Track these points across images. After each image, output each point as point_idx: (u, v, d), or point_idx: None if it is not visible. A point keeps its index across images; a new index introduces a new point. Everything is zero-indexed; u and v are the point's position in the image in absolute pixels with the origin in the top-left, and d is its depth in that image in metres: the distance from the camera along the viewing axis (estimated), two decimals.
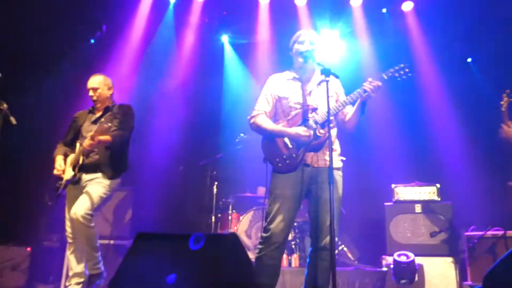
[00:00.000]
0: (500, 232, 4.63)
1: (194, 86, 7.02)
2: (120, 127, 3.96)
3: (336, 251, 5.30)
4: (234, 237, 2.10)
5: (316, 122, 3.11)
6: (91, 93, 4.11)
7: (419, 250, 4.92)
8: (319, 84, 3.29)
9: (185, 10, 6.97)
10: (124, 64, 6.86)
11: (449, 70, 6.63)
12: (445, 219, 5.03)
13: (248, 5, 6.98)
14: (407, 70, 3.15)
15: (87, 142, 3.66)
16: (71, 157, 3.95)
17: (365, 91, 3.07)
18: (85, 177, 3.90)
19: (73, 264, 3.86)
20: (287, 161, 3.11)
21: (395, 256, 4.74)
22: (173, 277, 1.84)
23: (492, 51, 6.29)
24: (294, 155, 3.10)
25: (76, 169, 3.84)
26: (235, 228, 5.60)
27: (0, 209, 4.93)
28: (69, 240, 3.90)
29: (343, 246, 5.67)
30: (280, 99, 3.30)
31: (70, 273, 3.88)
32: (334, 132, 3.31)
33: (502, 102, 4.02)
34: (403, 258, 4.69)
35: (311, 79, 3.35)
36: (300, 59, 3.30)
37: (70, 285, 3.82)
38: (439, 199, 5.18)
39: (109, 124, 3.69)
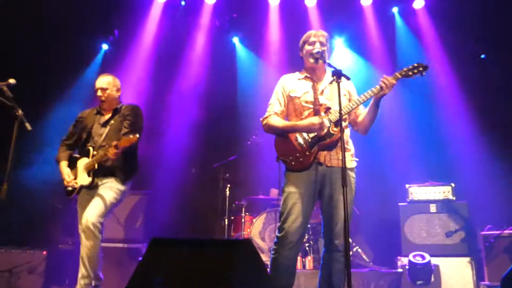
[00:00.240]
0: None
1: (206, 89, 7.04)
2: (131, 129, 3.89)
3: (351, 253, 5.27)
4: (248, 242, 2.09)
5: (329, 121, 3.09)
6: (99, 93, 4.01)
7: (434, 250, 4.88)
8: (330, 82, 3.26)
9: (195, 13, 7.00)
10: (137, 68, 6.91)
11: (462, 67, 6.55)
12: (460, 219, 4.97)
13: (258, 7, 6.99)
14: (421, 69, 3.11)
15: (111, 152, 3.59)
16: (84, 161, 3.89)
17: (381, 88, 3.03)
18: (98, 181, 3.85)
19: None
20: (301, 159, 3.08)
21: (411, 257, 4.70)
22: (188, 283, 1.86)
23: (506, 46, 6.20)
24: (307, 153, 3.07)
25: (92, 174, 3.80)
26: (248, 230, 5.59)
27: (16, 214, 4.99)
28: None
29: (357, 247, 5.64)
30: (292, 99, 3.28)
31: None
32: (347, 132, 3.28)
33: None
34: (418, 259, 4.65)
35: (323, 78, 3.33)
36: (311, 60, 3.28)
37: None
38: (454, 198, 5.14)
39: (133, 136, 3.60)
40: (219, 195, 5.93)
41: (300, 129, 3.13)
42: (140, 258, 4.34)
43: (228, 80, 7.15)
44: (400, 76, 3.12)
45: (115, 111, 4.03)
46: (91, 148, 3.91)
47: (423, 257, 4.65)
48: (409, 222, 5.16)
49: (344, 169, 2.71)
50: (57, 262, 5.23)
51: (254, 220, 5.62)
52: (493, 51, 6.51)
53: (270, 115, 3.30)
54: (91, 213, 3.66)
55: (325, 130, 3.06)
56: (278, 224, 3.12)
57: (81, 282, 3.64)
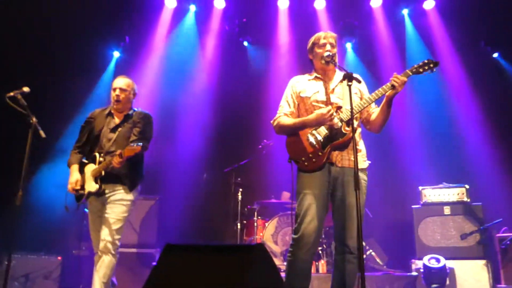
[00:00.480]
0: None
1: (217, 94, 7.06)
2: (141, 137, 3.86)
3: (364, 256, 5.24)
4: (261, 247, 2.09)
5: (341, 120, 3.07)
6: (118, 92, 3.92)
7: (449, 253, 4.83)
8: (341, 81, 3.25)
9: (205, 18, 7.05)
10: (148, 74, 6.96)
11: (475, 67, 6.49)
12: (475, 221, 4.92)
13: (268, 11, 7.01)
14: (431, 65, 3.09)
15: (116, 160, 3.59)
16: (91, 167, 3.86)
17: (392, 86, 3.01)
18: (106, 188, 3.82)
19: None
20: (314, 160, 3.05)
21: (425, 260, 4.65)
22: None
23: None
24: (320, 153, 3.05)
25: (99, 181, 3.78)
26: (261, 234, 5.59)
27: (31, 220, 5.05)
28: (96, 251, 3.86)
29: (371, 250, 5.60)
30: (303, 99, 3.27)
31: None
32: (358, 131, 3.27)
33: None
34: (433, 263, 4.60)
35: (333, 78, 3.32)
36: (322, 62, 3.27)
37: None
38: (468, 200, 5.08)
39: (137, 146, 3.58)
40: (231, 199, 5.94)
41: (310, 123, 3.11)
42: (154, 263, 4.36)
43: (238, 85, 7.16)
44: (410, 73, 3.10)
45: (126, 117, 3.98)
46: (97, 154, 3.88)
47: (438, 261, 4.61)
48: (423, 225, 5.12)
49: (356, 172, 2.70)
50: (71, 268, 5.29)
51: (266, 224, 5.62)
52: (505, 51, 6.45)
53: (280, 116, 3.30)
54: (108, 233, 3.69)
55: (336, 120, 3.03)
56: (294, 226, 3.09)
57: None
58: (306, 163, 3.08)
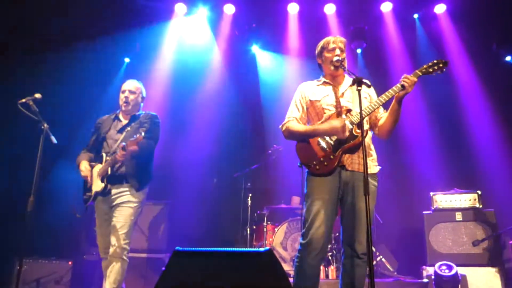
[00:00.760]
0: None
1: (227, 99, 7.08)
2: (147, 136, 3.84)
3: (374, 262, 5.19)
4: (270, 253, 2.08)
5: (351, 123, 3.05)
6: (127, 94, 3.99)
7: (461, 259, 4.77)
8: (351, 85, 3.24)
9: (215, 23, 7.07)
10: (158, 79, 7.00)
11: (487, 71, 6.43)
12: (488, 227, 4.86)
13: (277, 16, 7.01)
14: (441, 65, 3.06)
15: (119, 153, 3.61)
16: (98, 167, 3.89)
17: (402, 87, 2.98)
18: (113, 189, 3.84)
19: None
20: (325, 163, 3.03)
21: (437, 268, 4.59)
22: None
23: None
24: (332, 157, 3.03)
25: (105, 180, 3.80)
26: (271, 239, 5.58)
27: (42, 225, 5.09)
28: (102, 256, 3.90)
29: (381, 256, 5.55)
30: (312, 103, 3.25)
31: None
32: (369, 135, 3.24)
33: None
34: (445, 271, 4.53)
35: (342, 82, 3.31)
36: (331, 68, 3.26)
37: None
38: (480, 206, 5.02)
39: (139, 135, 3.60)
40: (241, 204, 5.94)
41: (321, 133, 3.09)
42: (163, 268, 4.36)
43: (248, 90, 7.18)
44: (420, 74, 3.07)
45: (133, 118, 4.02)
46: (104, 155, 3.91)
47: (449, 268, 4.54)
48: (434, 231, 5.06)
49: (366, 178, 2.67)
50: (82, 272, 5.32)
51: (276, 229, 5.61)
52: None
53: (289, 120, 3.27)
54: (118, 238, 3.69)
55: (347, 133, 3.02)
56: (302, 230, 3.07)
57: None
58: (317, 167, 3.06)
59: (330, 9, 6.84)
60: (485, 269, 4.68)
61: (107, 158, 3.87)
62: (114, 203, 3.82)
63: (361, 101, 2.88)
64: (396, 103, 3.06)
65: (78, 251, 5.52)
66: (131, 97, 4.01)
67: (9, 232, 4.92)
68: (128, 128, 3.88)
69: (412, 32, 6.86)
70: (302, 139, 3.18)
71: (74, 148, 5.77)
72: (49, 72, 6.16)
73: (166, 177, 6.28)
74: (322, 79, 3.35)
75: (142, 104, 4.18)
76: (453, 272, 4.50)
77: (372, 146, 3.26)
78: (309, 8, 6.93)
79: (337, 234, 5.32)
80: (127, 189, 3.83)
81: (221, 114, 7.03)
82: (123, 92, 4.03)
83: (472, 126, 6.37)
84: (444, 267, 4.58)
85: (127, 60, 7.25)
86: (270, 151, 5.89)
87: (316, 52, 3.38)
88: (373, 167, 3.18)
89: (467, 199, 5.11)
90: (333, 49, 3.24)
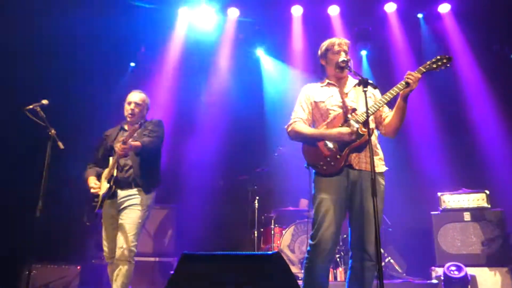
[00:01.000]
0: None
1: (232, 102, 7.09)
2: (149, 134, 3.89)
3: (383, 263, 5.17)
4: (279, 256, 2.07)
5: (357, 121, 3.04)
6: (132, 106, 4.01)
7: (470, 260, 4.74)
8: (355, 86, 3.23)
9: (220, 26, 7.09)
10: (163, 83, 7.03)
11: (492, 70, 6.39)
12: (497, 227, 4.82)
13: (281, 18, 7.02)
14: (445, 61, 3.04)
15: (119, 147, 3.60)
16: (105, 171, 3.92)
17: (407, 83, 2.97)
18: (121, 193, 3.84)
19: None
20: (332, 163, 3.02)
21: (446, 269, 4.56)
22: None
23: None
24: (338, 156, 3.01)
25: (111, 182, 3.80)
26: (278, 242, 5.57)
27: (51, 230, 5.12)
28: (108, 260, 3.89)
29: (389, 258, 5.53)
30: (317, 104, 3.24)
31: None
32: (375, 135, 3.23)
33: None
34: (455, 272, 4.50)
35: (346, 83, 3.31)
36: (337, 70, 3.25)
37: None
38: (489, 206, 4.99)
39: (137, 125, 3.62)
40: (248, 207, 5.94)
41: (328, 138, 3.07)
42: (171, 272, 4.36)
43: (253, 92, 7.19)
44: (424, 70, 3.05)
45: (139, 125, 3.97)
46: (110, 159, 3.92)
47: (459, 269, 4.51)
48: (443, 231, 5.04)
49: (373, 179, 2.66)
50: (90, 277, 5.34)
51: (283, 231, 5.60)
52: None
53: (295, 121, 3.25)
54: (126, 240, 3.68)
55: (353, 136, 3.01)
56: (311, 232, 3.05)
57: None
58: (324, 167, 3.05)
59: (334, 11, 6.85)
60: (495, 269, 4.65)
61: (113, 161, 3.88)
62: (122, 206, 3.82)
63: (366, 100, 2.87)
64: (402, 101, 3.05)
65: (86, 256, 5.53)
66: (137, 109, 4.03)
67: (18, 237, 4.95)
68: (134, 135, 3.89)
69: (416, 32, 6.85)
70: (308, 141, 3.17)
71: (79, 152, 5.83)
72: (53, 75, 6.20)
73: (173, 181, 6.30)
74: (326, 80, 3.34)
75: (146, 113, 4.22)
76: (462, 273, 4.47)
77: (378, 145, 3.25)
78: (313, 10, 6.93)
79: (345, 236, 5.31)
80: (135, 192, 3.83)
81: (226, 118, 7.04)
82: (129, 103, 4.05)
83: (479, 125, 6.33)
84: (453, 268, 4.55)
85: (132, 64, 7.28)
86: (276, 153, 5.89)
87: (320, 53, 3.36)
88: (381, 166, 3.16)
89: (475, 199, 5.08)
90: (338, 52, 3.23)
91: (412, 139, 6.35)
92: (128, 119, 4.06)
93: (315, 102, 3.26)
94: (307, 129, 3.20)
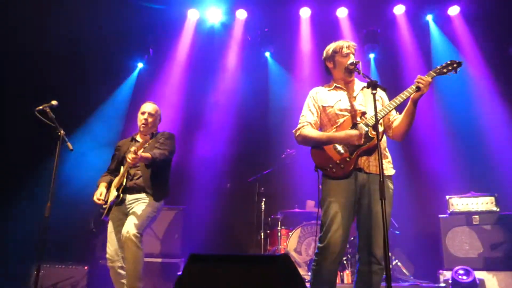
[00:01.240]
0: None
1: (239, 103, 7.09)
2: (160, 147, 3.96)
3: (390, 266, 5.14)
4: (287, 257, 2.07)
5: (367, 125, 3.03)
6: (146, 116, 4.11)
7: (479, 264, 4.71)
8: (362, 89, 3.22)
9: (228, 28, 7.11)
10: (171, 85, 7.05)
11: (503, 72, 6.35)
12: (505, 231, 4.79)
13: (289, 20, 7.03)
14: (455, 65, 3.03)
15: (130, 157, 3.64)
16: (115, 180, 4.01)
17: (417, 88, 2.96)
18: (129, 197, 3.92)
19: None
20: (342, 166, 3.00)
21: (454, 273, 4.53)
22: None
23: None
24: (348, 159, 3.00)
25: (120, 190, 3.87)
26: (285, 244, 5.56)
27: (59, 230, 5.15)
28: (109, 264, 3.90)
29: (397, 261, 5.50)
30: (325, 109, 3.22)
31: None
32: (384, 139, 3.22)
33: None
34: (463, 277, 4.46)
35: (353, 86, 3.29)
36: (345, 73, 3.23)
37: None
38: (497, 209, 4.96)
39: (148, 136, 3.71)
40: (255, 209, 5.93)
41: (337, 141, 3.05)
42: (178, 273, 4.36)
43: (261, 94, 7.18)
44: (434, 74, 3.04)
45: (151, 136, 4.11)
46: (122, 168, 4.01)
47: (467, 273, 4.48)
48: (451, 235, 5.01)
49: (382, 182, 2.65)
50: (98, 277, 5.36)
51: (290, 233, 5.59)
52: None
53: (303, 126, 3.22)
54: (131, 226, 3.69)
55: (362, 139, 3.00)
56: (320, 235, 3.04)
57: None
58: (334, 170, 3.03)
59: (342, 13, 6.84)
60: (503, 273, 4.61)
61: (123, 170, 3.97)
62: (130, 209, 3.88)
63: (375, 103, 2.86)
64: (412, 105, 3.03)
65: (94, 256, 5.56)
66: (150, 119, 4.14)
67: (26, 237, 5.00)
68: (146, 145, 3.92)
69: (425, 35, 6.82)
70: (316, 145, 3.15)
71: (88, 150, 5.86)
72: (61, 76, 6.26)
73: (180, 182, 6.32)
74: (333, 84, 3.31)
75: (159, 124, 4.32)
76: (470, 278, 4.43)
77: (387, 149, 3.23)
78: (321, 12, 6.93)
79: (352, 238, 5.29)
80: (144, 196, 3.91)
81: (234, 119, 7.05)
82: (143, 113, 4.15)
83: (488, 128, 6.28)
84: (461, 272, 4.52)
85: (140, 65, 7.31)
86: (283, 155, 5.88)
87: (326, 55, 3.33)
88: (390, 169, 3.15)
89: (484, 202, 5.05)
90: (347, 55, 3.21)
91: (420, 141, 6.31)
92: (141, 128, 4.15)
93: (322, 107, 3.23)
94: (315, 133, 3.17)
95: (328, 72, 3.38)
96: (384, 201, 2.62)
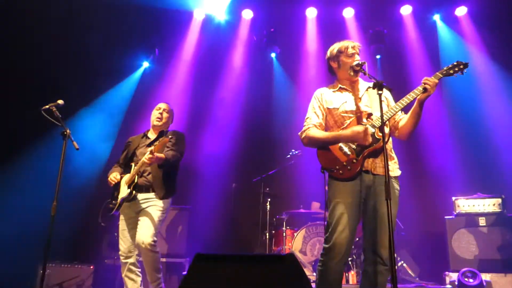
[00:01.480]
0: None
1: (245, 103, 7.09)
2: (173, 148, 4.08)
3: (396, 267, 5.12)
4: (292, 257, 2.07)
5: (373, 126, 3.02)
6: (162, 111, 4.27)
7: (485, 266, 4.68)
8: (367, 89, 3.21)
9: (234, 28, 7.11)
10: (177, 84, 7.07)
11: (511, 73, 6.30)
12: None
13: (296, 20, 7.02)
14: (462, 67, 3.01)
15: (147, 157, 3.75)
16: (126, 176, 4.06)
17: (424, 89, 2.94)
18: (140, 196, 4.00)
19: (130, 285, 3.95)
20: (348, 167, 2.99)
21: (460, 276, 4.50)
22: None
23: None
24: (355, 161, 2.99)
25: (132, 187, 3.94)
26: (290, 244, 5.55)
27: (65, 230, 5.17)
28: (122, 260, 3.98)
29: (402, 262, 5.47)
30: (331, 111, 3.20)
31: None
32: (390, 140, 3.20)
33: None
34: (469, 279, 4.43)
35: (358, 87, 3.27)
36: (351, 73, 3.21)
37: None
38: (504, 211, 4.92)
39: (165, 138, 3.80)
40: (260, 209, 5.92)
41: (344, 139, 3.04)
42: (184, 273, 4.36)
43: (267, 94, 7.18)
44: (441, 75, 3.02)
45: (161, 134, 4.24)
46: (133, 165, 4.06)
47: (474, 276, 4.45)
48: (457, 236, 4.98)
49: (387, 182, 2.64)
50: (103, 276, 5.39)
51: (295, 234, 5.59)
52: None
53: (308, 127, 3.20)
54: (146, 235, 3.81)
55: (370, 139, 2.99)
56: (326, 235, 3.03)
57: (153, 285, 3.92)
58: (340, 171, 3.02)
59: (348, 13, 6.82)
60: (510, 275, 4.57)
61: (135, 167, 4.03)
62: (141, 208, 3.96)
63: (381, 104, 2.84)
64: (418, 106, 3.01)
65: (100, 255, 5.59)
66: (165, 115, 4.29)
67: (32, 236, 5.02)
68: (156, 143, 3.95)
69: (432, 35, 6.78)
70: (323, 146, 3.13)
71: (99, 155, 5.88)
72: (67, 76, 6.29)
73: (186, 182, 6.32)
74: (338, 85, 3.29)
75: (171, 123, 4.45)
76: (477, 281, 4.41)
77: (393, 149, 3.22)
78: (327, 12, 6.92)
79: (357, 239, 5.27)
80: (153, 196, 4.00)
81: (240, 119, 7.05)
82: (158, 109, 4.30)
83: (495, 129, 6.23)
84: (468, 273, 4.49)
85: (146, 64, 7.32)
86: (288, 156, 5.88)
87: (330, 55, 3.30)
88: (396, 170, 3.14)
89: (491, 204, 5.01)
90: (353, 55, 3.19)
91: (426, 142, 6.28)
92: (155, 123, 4.27)
93: (328, 109, 3.21)
94: (321, 134, 3.16)
95: (331, 72, 3.36)
96: (390, 201, 2.61)
